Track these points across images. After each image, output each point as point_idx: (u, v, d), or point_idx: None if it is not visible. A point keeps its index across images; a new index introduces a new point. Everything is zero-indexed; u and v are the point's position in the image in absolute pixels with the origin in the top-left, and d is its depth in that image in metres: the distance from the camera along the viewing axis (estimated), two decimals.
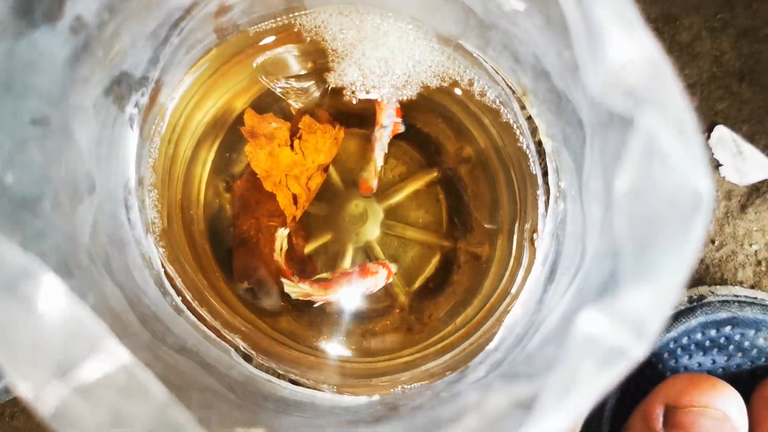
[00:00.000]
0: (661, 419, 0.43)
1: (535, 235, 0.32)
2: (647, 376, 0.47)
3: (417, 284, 0.45)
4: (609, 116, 0.21)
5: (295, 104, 0.41)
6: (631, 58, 0.17)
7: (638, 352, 0.16)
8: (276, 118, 0.42)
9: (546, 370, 0.18)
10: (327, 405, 0.30)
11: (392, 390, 0.32)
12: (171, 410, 0.16)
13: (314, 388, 0.32)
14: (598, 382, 0.15)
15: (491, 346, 0.30)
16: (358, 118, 0.43)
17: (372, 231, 0.45)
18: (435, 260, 0.45)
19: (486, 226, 0.42)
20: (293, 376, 0.33)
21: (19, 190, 0.20)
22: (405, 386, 0.32)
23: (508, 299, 0.34)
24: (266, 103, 0.42)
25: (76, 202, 0.24)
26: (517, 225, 0.36)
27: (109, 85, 0.26)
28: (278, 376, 0.33)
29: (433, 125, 0.42)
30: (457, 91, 0.35)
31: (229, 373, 0.29)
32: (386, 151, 0.40)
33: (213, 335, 0.31)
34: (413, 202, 0.45)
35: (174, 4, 0.26)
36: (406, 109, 0.39)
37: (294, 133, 0.43)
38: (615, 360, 0.16)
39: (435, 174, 0.44)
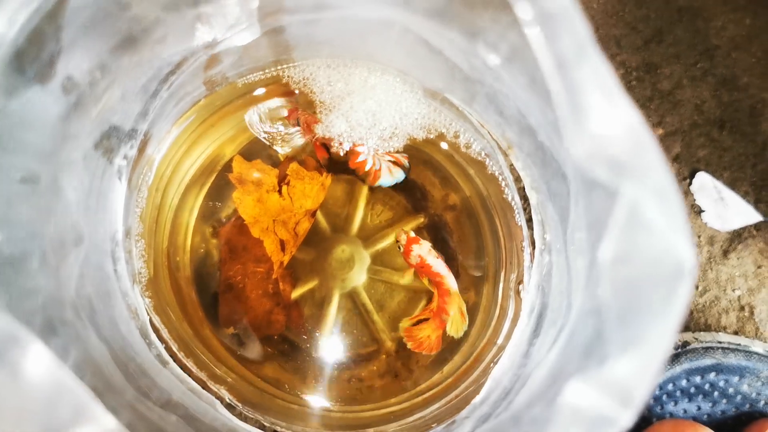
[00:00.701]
0: None
1: (521, 287, 0.33)
2: (634, 423, 0.47)
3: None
4: (592, 181, 0.21)
5: (281, 151, 0.41)
6: (612, 128, 0.17)
7: (626, 420, 0.16)
8: (264, 164, 0.43)
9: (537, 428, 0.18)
10: None
11: None
12: None
13: None
14: None
15: (478, 398, 0.30)
16: (344, 163, 0.43)
17: (359, 276, 0.45)
18: (421, 305, 0.45)
19: (471, 273, 0.42)
20: (279, 428, 0.33)
21: (7, 249, 0.20)
22: None
23: (494, 349, 0.34)
24: (254, 150, 0.42)
25: (63, 255, 0.24)
26: (503, 274, 0.37)
27: (99, 139, 0.26)
28: (263, 428, 0.32)
29: (419, 173, 0.43)
30: (443, 144, 0.36)
31: (214, 425, 0.29)
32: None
33: (198, 387, 0.31)
34: (400, 253, 0.45)
35: (165, 60, 0.27)
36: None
37: (282, 179, 0.44)
38: (603, 429, 0.16)
39: (421, 220, 0.44)
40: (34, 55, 0.19)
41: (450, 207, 0.43)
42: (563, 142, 0.21)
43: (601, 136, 0.17)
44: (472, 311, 0.39)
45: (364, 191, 0.45)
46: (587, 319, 0.21)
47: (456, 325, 0.37)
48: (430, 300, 0.44)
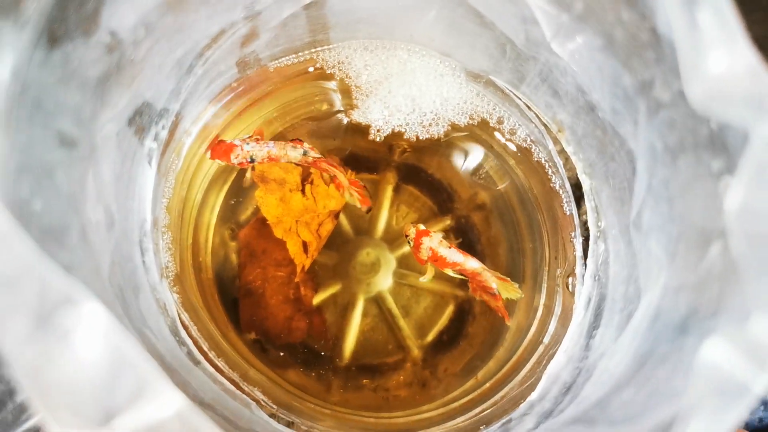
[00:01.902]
0: None
1: (570, 280, 0.31)
2: None
3: (430, 337, 0.43)
4: (679, 146, 0.20)
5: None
6: (733, 67, 0.15)
7: (762, 385, 0.14)
8: (286, 162, 0.41)
9: (635, 411, 0.16)
10: None
11: None
12: None
13: None
14: (725, 420, 0.14)
15: (534, 396, 0.28)
16: (369, 161, 0.41)
17: (384, 281, 0.43)
18: (449, 311, 0.43)
19: (501, 275, 0.40)
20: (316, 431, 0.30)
21: (48, 219, 0.18)
22: None
23: (540, 349, 0.32)
24: None
25: (98, 237, 0.22)
26: (546, 271, 0.35)
27: (132, 115, 0.25)
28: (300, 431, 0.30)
29: (446, 171, 0.41)
30: (484, 134, 0.34)
31: (252, 427, 0.26)
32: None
33: (232, 387, 0.29)
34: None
35: (203, 31, 0.25)
36: (419, 153, 0.38)
37: (305, 179, 0.42)
38: (741, 396, 0.14)
39: (448, 222, 0.42)
40: (79, 1, 0.18)
41: (479, 206, 0.42)
42: (650, 110, 0.19)
43: (721, 77, 0.15)
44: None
45: (389, 192, 0.43)
46: (680, 297, 0.20)
47: (508, 290, 0.35)
48: (457, 308, 0.42)
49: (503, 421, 0.29)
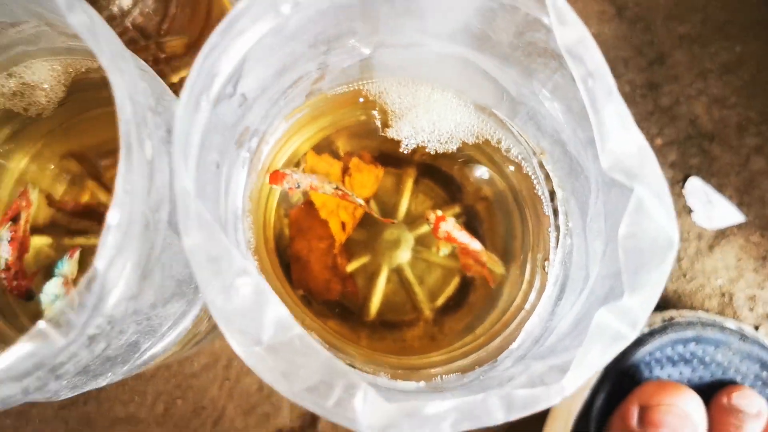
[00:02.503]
0: (635, 417, 0.53)
1: (546, 263, 0.42)
2: (626, 385, 0.56)
3: (439, 301, 0.54)
4: (612, 182, 0.31)
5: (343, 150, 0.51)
6: (626, 148, 0.26)
7: (632, 336, 0.25)
8: (331, 158, 0.52)
9: (568, 351, 0.27)
10: (385, 387, 0.39)
11: (432, 379, 0.41)
12: (334, 362, 0.25)
13: (374, 374, 0.41)
14: (606, 355, 0.25)
15: (514, 345, 0.39)
16: (395, 160, 0.52)
17: (403, 255, 0.54)
18: (455, 282, 0.54)
19: (496, 257, 0.51)
20: (356, 366, 0.42)
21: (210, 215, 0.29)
22: (443, 376, 0.41)
23: (522, 313, 0.43)
24: (322, 147, 0.51)
25: (220, 224, 0.33)
26: (530, 254, 0.46)
27: (238, 138, 0.35)
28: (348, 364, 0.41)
29: (459, 170, 0.52)
30: (487, 148, 0.45)
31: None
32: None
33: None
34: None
35: (289, 79, 0.36)
36: (435, 157, 0.49)
37: (344, 171, 0.53)
38: (617, 342, 0.25)
39: (457, 209, 0.53)
40: (233, 82, 0.28)
41: (482, 198, 0.52)
42: (596, 156, 0.30)
43: (619, 153, 0.26)
44: (500, 284, 0.49)
45: (409, 184, 0.54)
46: (604, 282, 0.31)
47: (493, 263, 0.46)
48: (462, 280, 0.53)
49: (491, 362, 0.40)
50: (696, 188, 0.63)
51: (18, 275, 0.46)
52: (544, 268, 0.42)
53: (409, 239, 0.54)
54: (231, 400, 0.60)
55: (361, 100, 0.44)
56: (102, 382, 0.36)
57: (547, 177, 0.41)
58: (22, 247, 0.48)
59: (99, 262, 0.24)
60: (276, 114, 0.39)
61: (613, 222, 0.31)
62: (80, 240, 0.53)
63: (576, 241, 0.39)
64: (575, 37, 0.26)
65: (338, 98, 0.44)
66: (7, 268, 0.46)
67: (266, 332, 0.25)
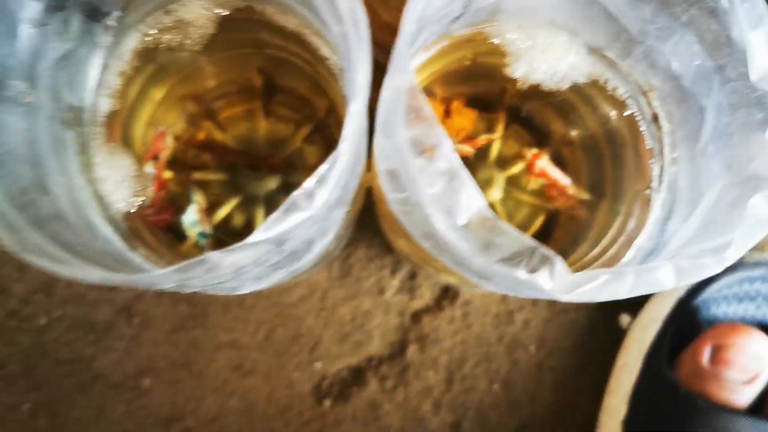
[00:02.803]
0: (707, 355, 0.58)
1: (648, 191, 0.46)
2: (696, 321, 0.61)
3: (528, 234, 0.58)
4: (739, 103, 0.35)
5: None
6: None
7: None
8: (433, 101, 0.56)
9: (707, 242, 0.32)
10: None
11: None
12: (524, 238, 0.30)
13: None
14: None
15: (625, 259, 0.44)
16: (485, 104, 0.56)
17: (495, 193, 0.59)
18: (540, 218, 0.59)
19: (583, 190, 0.55)
20: None
21: None
22: None
23: (623, 237, 0.48)
24: (426, 91, 0.56)
25: None
26: (624, 188, 0.50)
27: None
28: None
29: (547, 114, 0.56)
30: (591, 90, 0.49)
31: None
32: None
33: None
34: (525, 173, 0.59)
35: (443, 12, 0.40)
36: (528, 99, 0.53)
37: (446, 113, 0.57)
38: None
39: (546, 150, 0.58)
40: None
41: (569, 143, 0.57)
42: (721, 83, 0.35)
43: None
44: (590, 215, 0.53)
45: (500, 128, 0.58)
46: (731, 190, 0.35)
47: (579, 193, 0.52)
48: (548, 215, 0.58)
49: None
50: None
51: (161, 210, 0.51)
52: (646, 198, 0.47)
53: (500, 179, 0.59)
54: (326, 329, 0.64)
55: (479, 43, 0.48)
56: (268, 282, 0.41)
57: (653, 113, 0.46)
58: (162, 185, 0.52)
59: (342, 144, 0.29)
60: (419, 48, 0.43)
61: (739, 139, 0.36)
62: (198, 175, 0.57)
63: (682, 167, 0.43)
64: None
65: (457, 41, 0.49)
66: (152, 205, 0.50)
67: (463, 214, 0.30)
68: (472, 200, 0.30)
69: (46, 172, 0.38)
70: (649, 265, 0.29)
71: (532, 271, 0.29)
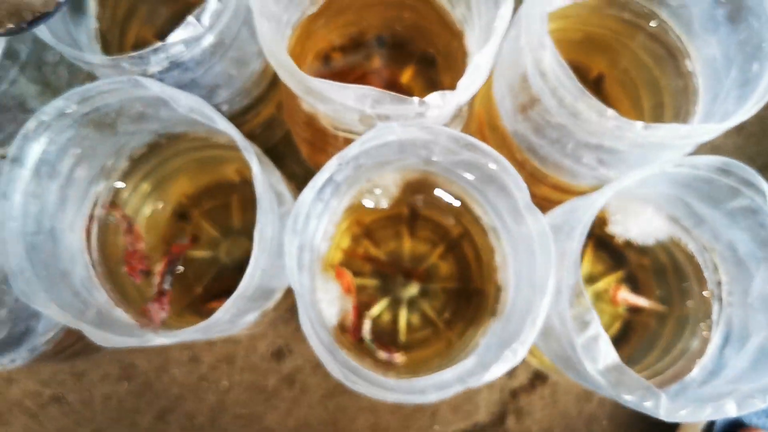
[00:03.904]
0: None
1: (709, 320, 0.64)
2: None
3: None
4: None
5: None
6: None
7: None
8: None
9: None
10: None
11: None
12: (644, 382, 0.47)
13: None
14: None
15: (692, 375, 0.61)
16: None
17: None
18: (615, 327, 0.76)
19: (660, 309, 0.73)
20: None
21: None
22: None
23: (689, 354, 0.65)
24: None
25: None
26: (689, 314, 0.68)
27: None
28: None
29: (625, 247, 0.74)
30: (668, 242, 0.67)
31: None
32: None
33: None
34: (606, 288, 0.77)
35: None
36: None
37: None
38: None
39: (621, 274, 0.75)
40: None
41: (642, 266, 0.75)
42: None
43: None
44: (659, 329, 0.71)
45: (590, 253, 0.76)
46: None
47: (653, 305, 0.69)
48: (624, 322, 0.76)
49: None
50: None
51: (356, 329, 0.70)
52: (709, 325, 0.64)
53: (588, 292, 0.77)
54: (444, 400, 0.83)
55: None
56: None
57: (714, 264, 0.64)
58: (356, 308, 0.71)
59: None
60: None
61: None
62: (358, 280, 0.76)
63: (736, 310, 0.61)
64: None
65: None
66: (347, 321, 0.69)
67: (601, 362, 0.48)
68: (609, 354, 0.48)
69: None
70: (719, 402, 0.47)
71: (641, 399, 0.47)
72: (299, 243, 0.50)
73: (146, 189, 0.67)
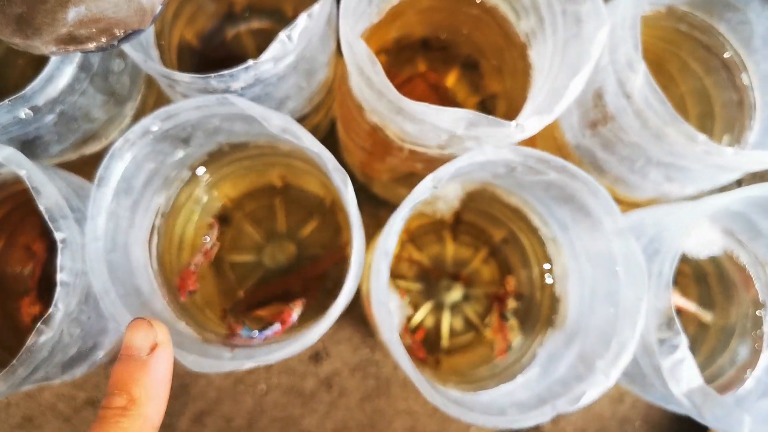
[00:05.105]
0: None
1: (760, 331, 0.66)
2: None
3: None
4: None
5: None
6: None
7: None
8: None
9: None
10: None
11: None
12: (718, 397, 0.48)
13: None
14: None
15: (747, 387, 0.63)
16: None
17: None
18: None
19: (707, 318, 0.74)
20: None
21: None
22: None
23: (738, 364, 0.67)
24: None
25: None
26: (736, 323, 0.69)
27: None
28: None
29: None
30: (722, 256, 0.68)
31: None
32: None
33: None
34: None
35: None
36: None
37: None
38: None
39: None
40: None
41: (684, 274, 0.76)
42: None
43: None
44: (715, 341, 0.72)
45: None
46: None
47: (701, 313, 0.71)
48: None
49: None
50: None
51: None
52: (760, 336, 0.66)
53: None
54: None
55: None
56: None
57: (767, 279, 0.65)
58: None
59: None
60: None
61: None
62: (402, 283, 0.76)
63: None
64: None
65: None
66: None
67: (684, 385, 0.49)
68: (694, 377, 0.49)
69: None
70: None
71: (726, 420, 0.48)
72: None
73: (199, 196, 0.65)
